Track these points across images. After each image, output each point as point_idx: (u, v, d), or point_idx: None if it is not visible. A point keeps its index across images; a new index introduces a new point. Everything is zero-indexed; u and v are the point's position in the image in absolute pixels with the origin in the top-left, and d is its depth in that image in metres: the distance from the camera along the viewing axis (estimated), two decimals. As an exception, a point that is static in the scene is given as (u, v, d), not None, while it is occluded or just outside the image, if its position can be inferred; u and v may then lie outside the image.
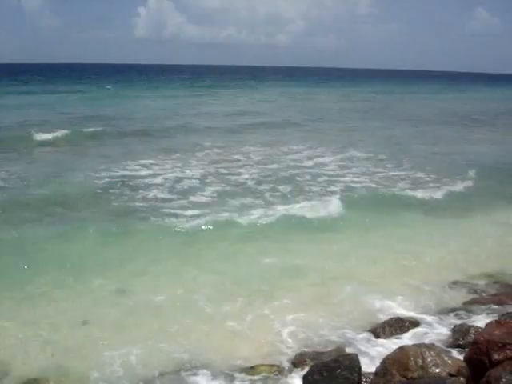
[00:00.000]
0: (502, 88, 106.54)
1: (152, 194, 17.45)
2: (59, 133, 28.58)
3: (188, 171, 20.79)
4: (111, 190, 17.67)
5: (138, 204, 16.25)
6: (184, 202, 16.62)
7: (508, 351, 6.43)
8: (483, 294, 10.20)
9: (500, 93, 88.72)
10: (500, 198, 17.68)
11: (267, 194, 17.65)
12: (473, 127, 38.66)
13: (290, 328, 8.96)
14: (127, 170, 20.83)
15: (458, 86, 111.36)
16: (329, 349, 8.12)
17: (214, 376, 7.61)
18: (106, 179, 19.10)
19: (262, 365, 7.84)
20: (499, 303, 9.53)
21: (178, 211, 15.41)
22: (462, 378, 6.37)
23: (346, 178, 20.27)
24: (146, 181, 19.11)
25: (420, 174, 21.16)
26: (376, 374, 6.95)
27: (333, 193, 17.90)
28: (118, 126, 33.46)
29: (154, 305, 9.81)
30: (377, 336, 8.52)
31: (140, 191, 17.72)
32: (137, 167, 21.35)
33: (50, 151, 25.10)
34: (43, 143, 26.66)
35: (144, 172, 20.51)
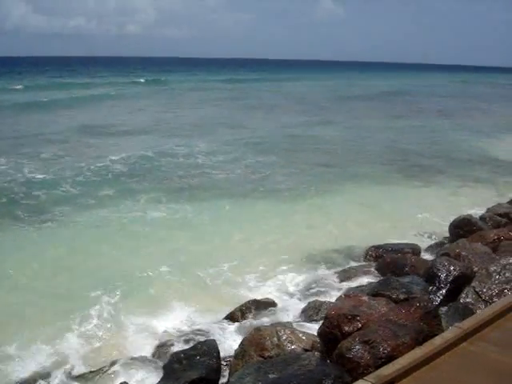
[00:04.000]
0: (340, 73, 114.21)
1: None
2: None
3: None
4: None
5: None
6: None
7: (357, 322, 6.74)
8: (335, 270, 10.67)
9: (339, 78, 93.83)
10: (345, 179, 18.75)
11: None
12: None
13: (146, 321, 8.72)
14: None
15: (301, 73, 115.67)
16: (188, 337, 8.04)
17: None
18: None
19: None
20: (349, 278, 10.04)
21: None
22: (316, 352, 6.59)
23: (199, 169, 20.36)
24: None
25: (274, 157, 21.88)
26: (235, 356, 6.98)
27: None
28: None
29: None
30: (235, 320, 8.56)
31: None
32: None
33: None
34: None
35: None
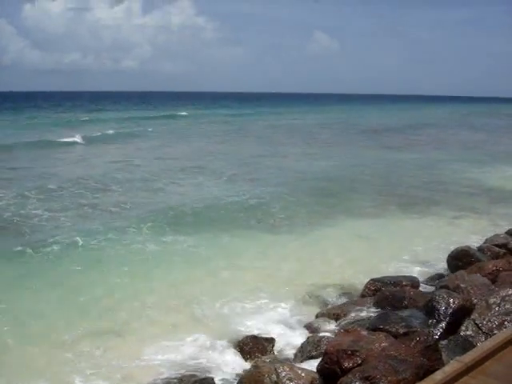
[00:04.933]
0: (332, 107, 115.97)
1: None
2: None
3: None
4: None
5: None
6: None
7: (357, 358, 6.65)
8: (332, 305, 10.57)
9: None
10: (342, 210, 18.71)
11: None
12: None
13: (142, 359, 8.59)
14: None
15: (300, 107, 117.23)
16: (186, 374, 7.91)
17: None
18: None
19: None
20: (348, 312, 9.92)
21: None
22: (315, 389, 6.49)
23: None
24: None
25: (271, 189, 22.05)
26: (233, 395, 6.87)
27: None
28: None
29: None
30: (233, 357, 8.44)
31: None
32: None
33: None
34: None
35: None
